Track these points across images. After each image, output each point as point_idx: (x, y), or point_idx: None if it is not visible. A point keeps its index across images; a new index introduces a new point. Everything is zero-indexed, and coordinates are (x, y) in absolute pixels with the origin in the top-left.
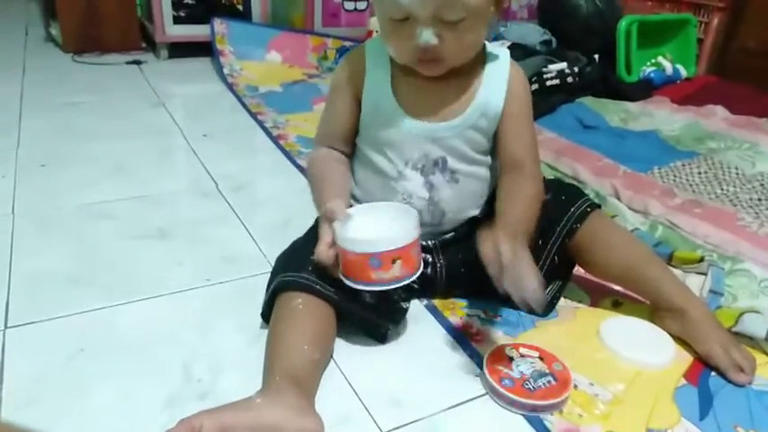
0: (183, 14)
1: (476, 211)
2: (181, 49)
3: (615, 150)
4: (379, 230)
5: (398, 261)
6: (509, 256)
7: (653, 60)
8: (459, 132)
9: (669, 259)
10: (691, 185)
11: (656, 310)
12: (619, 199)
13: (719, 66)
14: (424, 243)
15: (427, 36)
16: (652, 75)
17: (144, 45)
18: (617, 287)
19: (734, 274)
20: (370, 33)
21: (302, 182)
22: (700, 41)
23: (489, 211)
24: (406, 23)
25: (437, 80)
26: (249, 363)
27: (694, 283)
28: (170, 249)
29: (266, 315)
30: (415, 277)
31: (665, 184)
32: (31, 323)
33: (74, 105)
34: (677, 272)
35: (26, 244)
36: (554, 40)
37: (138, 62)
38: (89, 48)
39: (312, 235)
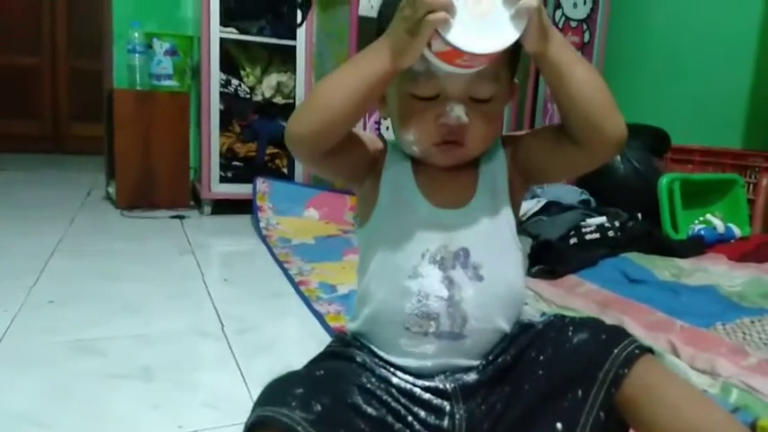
0: (229, 175)
1: (505, 324)
2: (225, 207)
3: (669, 304)
4: None
5: None
6: None
7: (701, 218)
8: (480, 213)
9: (752, 429)
10: (765, 344)
11: None
12: (678, 356)
13: None
14: (440, 386)
15: (459, 112)
16: (702, 232)
17: (192, 203)
18: None
19: None
20: None
21: (314, 326)
22: (751, 201)
23: (521, 332)
24: (431, 102)
25: (452, 167)
26: None
27: None
28: (149, 391)
29: None
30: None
31: (733, 341)
32: None
33: (105, 252)
34: None
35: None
36: (592, 200)
37: (181, 217)
38: (140, 204)
39: (311, 366)
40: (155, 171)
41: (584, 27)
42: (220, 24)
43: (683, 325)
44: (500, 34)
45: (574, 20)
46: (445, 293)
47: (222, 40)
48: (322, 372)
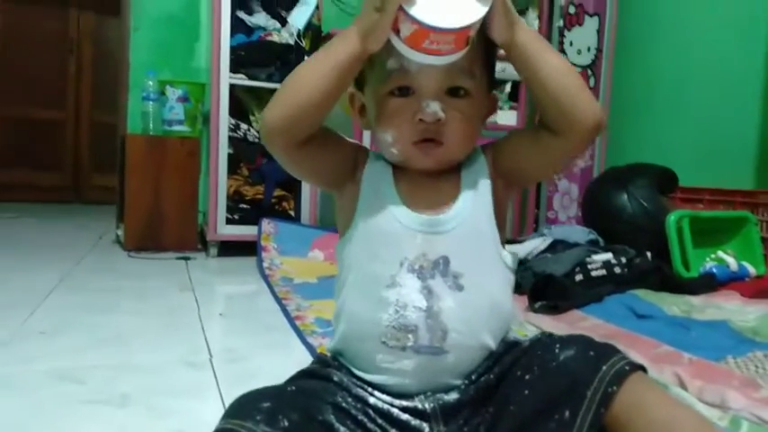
0: (236, 217)
1: (491, 341)
2: (231, 249)
3: (678, 338)
4: None
5: None
6: None
7: (713, 255)
8: (461, 220)
9: None
10: None
11: None
12: (685, 389)
13: None
14: (419, 406)
15: (435, 107)
16: (714, 270)
17: (199, 246)
18: None
19: None
20: None
21: (305, 358)
22: (764, 240)
23: (506, 351)
24: (408, 100)
25: (433, 173)
26: None
27: None
28: (121, 417)
29: None
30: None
31: (744, 374)
32: None
33: (105, 289)
34: None
35: None
36: (601, 239)
37: (186, 258)
38: (148, 246)
39: (284, 384)
40: (164, 214)
41: (589, 73)
42: (230, 71)
43: (691, 358)
44: (464, 11)
45: (579, 66)
46: (423, 304)
47: (232, 86)
48: (294, 388)
